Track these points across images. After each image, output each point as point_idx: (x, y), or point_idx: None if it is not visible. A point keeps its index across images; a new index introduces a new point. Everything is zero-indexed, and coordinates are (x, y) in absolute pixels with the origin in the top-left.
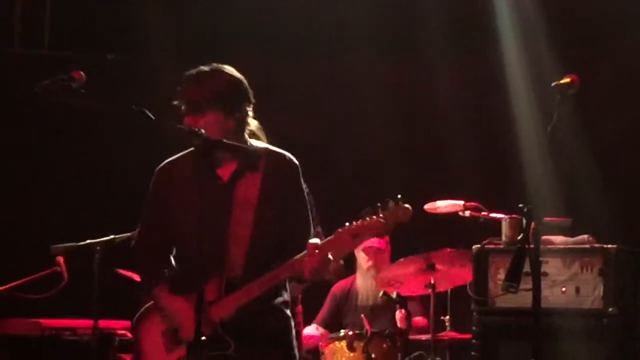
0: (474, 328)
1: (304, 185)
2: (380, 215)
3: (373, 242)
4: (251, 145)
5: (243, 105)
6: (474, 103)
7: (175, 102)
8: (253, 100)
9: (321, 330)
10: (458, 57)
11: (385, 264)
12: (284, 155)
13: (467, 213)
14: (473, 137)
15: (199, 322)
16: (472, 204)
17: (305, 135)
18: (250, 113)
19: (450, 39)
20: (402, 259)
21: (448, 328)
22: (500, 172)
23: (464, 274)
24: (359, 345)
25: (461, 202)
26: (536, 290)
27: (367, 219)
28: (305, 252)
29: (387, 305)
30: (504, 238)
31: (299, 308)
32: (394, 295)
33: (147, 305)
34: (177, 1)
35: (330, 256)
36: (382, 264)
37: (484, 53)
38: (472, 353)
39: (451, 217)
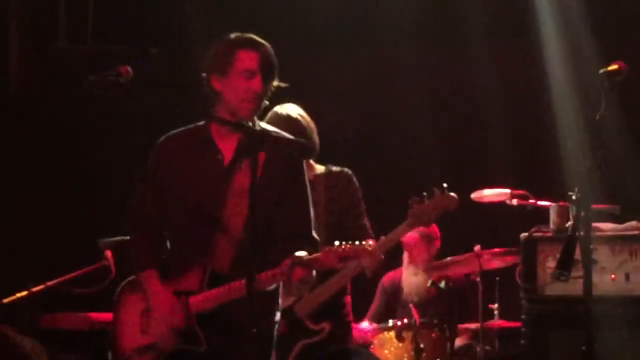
0: (523, 316)
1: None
2: (370, 243)
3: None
4: (258, 125)
5: (270, 81)
6: (516, 91)
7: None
8: (279, 81)
9: (374, 325)
10: (498, 45)
11: (422, 257)
12: (289, 141)
13: (514, 201)
14: (515, 126)
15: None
16: (519, 192)
17: (346, 127)
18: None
19: (490, 27)
20: (449, 258)
21: (497, 316)
22: (545, 161)
23: (512, 258)
24: (407, 335)
25: (508, 191)
26: (587, 278)
27: (357, 244)
28: (287, 263)
29: (436, 295)
30: (552, 226)
31: (348, 299)
32: (442, 284)
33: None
34: None
35: (314, 273)
36: (417, 258)
37: (525, 41)
38: (522, 342)
39: (498, 205)
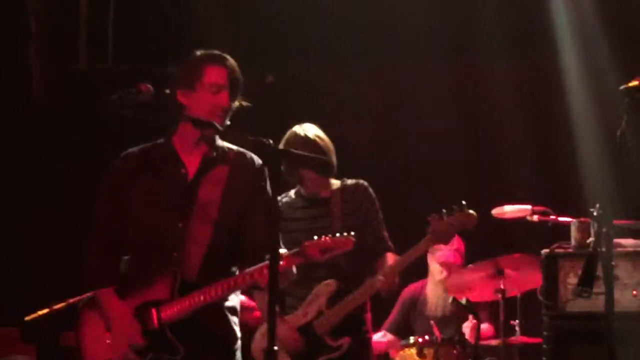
0: (544, 333)
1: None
2: (351, 234)
3: (449, 256)
4: (221, 142)
5: (235, 97)
6: (535, 106)
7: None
8: (243, 98)
9: (389, 336)
10: (517, 59)
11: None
12: (252, 157)
13: (535, 217)
14: (536, 141)
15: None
16: (540, 208)
17: (367, 141)
18: (236, 103)
19: (509, 42)
20: (470, 265)
21: (518, 332)
22: (565, 176)
23: (533, 279)
24: (429, 352)
25: (529, 207)
26: (609, 294)
27: (338, 235)
28: (261, 264)
29: (457, 311)
30: (573, 242)
31: (368, 316)
32: (463, 301)
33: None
34: (235, 13)
35: (294, 269)
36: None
37: (544, 56)
38: (543, 358)
39: (519, 221)
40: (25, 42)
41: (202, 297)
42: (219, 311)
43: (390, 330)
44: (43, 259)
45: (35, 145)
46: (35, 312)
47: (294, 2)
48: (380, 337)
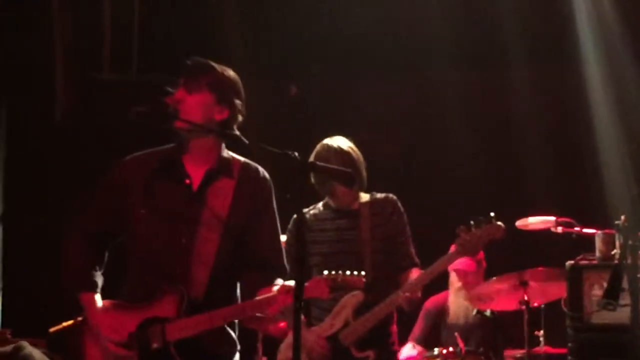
0: (569, 345)
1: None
2: (362, 273)
3: (462, 264)
4: (227, 153)
5: (234, 102)
6: (558, 117)
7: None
8: (242, 107)
9: (418, 348)
10: (539, 70)
11: (476, 283)
12: (257, 169)
13: (559, 229)
14: (559, 151)
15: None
16: (564, 219)
17: (388, 151)
18: (239, 116)
19: (531, 51)
20: (494, 278)
21: (542, 343)
22: (589, 188)
23: (557, 290)
24: None
25: (553, 218)
26: (634, 306)
27: (348, 274)
28: (274, 293)
29: (481, 323)
30: (597, 254)
31: (394, 328)
32: (487, 312)
33: None
34: (258, 25)
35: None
36: (471, 285)
37: (566, 65)
38: None
39: (543, 233)
40: (49, 51)
41: (209, 323)
42: (217, 327)
43: (416, 342)
44: None
45: (60, 154)
46: (59, 323)
47: (316, 14)
48: (410, 349)
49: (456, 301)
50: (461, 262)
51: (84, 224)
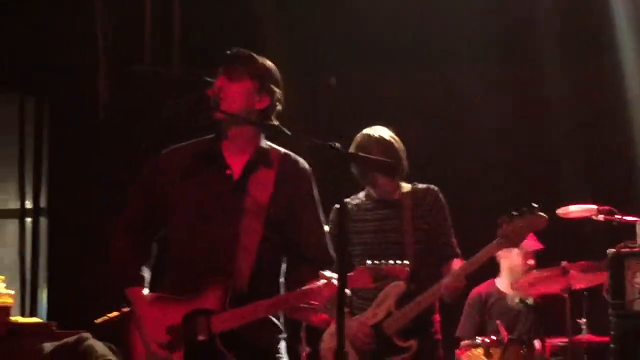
0: (612, 332)
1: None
2: (406, 263)
3: (534, 245)
4: (266, 143)
5: (274, 91)
6: (594, 107)
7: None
8: (281, 97)
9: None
10: (573, 61)
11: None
12: (297, 159)
13: (601, 217)
14: (598, 141)
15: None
16: (605, 207)
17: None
18: (278, 105)
19: (565, 43)
20: (535, 271)
21: (585, 330)
22: (629, 176)
23: (599, 277)
24: (495, 352)
25: (594, 207)
26: None
27: (392, 263)
28: (322, 282)
29: (524, 311)
30: (639, 241)
31: (437, 317)
32: (529, 300)
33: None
34: (294, 18)
35: (348, 291)
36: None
37: (599, 60)
38: (611, 359)
39: (584, 221)
40: (91, 46)
41: (254, 314)
42: (262, 318)
43: (466, 334)
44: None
45: (103, 148)
46: (104, 315)
47: (350, 7)
48: None
49: (505, 289)
50: (534, 244)
51: (129, 218)
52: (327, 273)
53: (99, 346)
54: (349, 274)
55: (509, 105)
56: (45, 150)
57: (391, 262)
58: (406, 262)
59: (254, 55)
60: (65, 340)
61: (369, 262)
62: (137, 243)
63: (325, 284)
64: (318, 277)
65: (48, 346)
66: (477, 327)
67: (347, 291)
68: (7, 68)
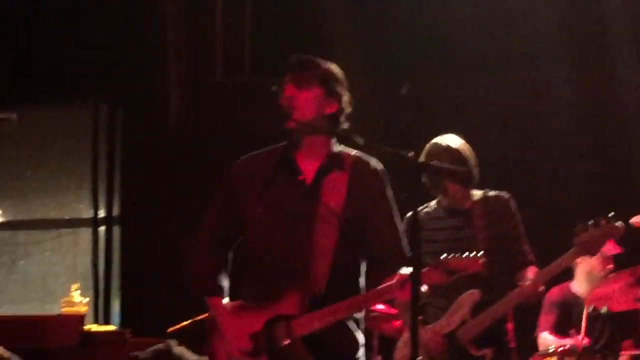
0: None
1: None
2: (479, 255)
3: (613, 248)
4: (337, 147)
5: (342, 95)
6: None
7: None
8: (349, 99)
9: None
10: None
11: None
12: (370, 161)
13: None
14: None
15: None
16: None
17: (500, 149)
18: (347, 109)
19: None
20: (611, 275)
21: None
22: None
23: None
24: None
25: None
26: None
27: (466, 255)
28: (393, 281)
29: (598, 319)
30: None
31: (510, 326)
32: (603, 310)
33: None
34: (365, 25)
35: (423, 288)
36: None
37: None
38: None
39: None
40: (162, 55)
41: (332, 316)
42: (342, 323)
43: (547, 329)
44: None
45: (175, 157)
46: (177, 323)
47: (423, 11)
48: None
49: (580, 294)
50: (607, 248)
51: (207, 228)
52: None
53: (187, 352)
54: (422, 271)
55: (585, 109)
56: (118, 158)
57: (465, 254)
58: (481, 252)
59: (318, 60)
60: (155, 347)
61: (443, 256)
62: (217, 253)
63: (397, 279)
64: (394, 275)
65: (142, 354)
66: (556, 322)
67: (424, 287)
68: (80, 77)
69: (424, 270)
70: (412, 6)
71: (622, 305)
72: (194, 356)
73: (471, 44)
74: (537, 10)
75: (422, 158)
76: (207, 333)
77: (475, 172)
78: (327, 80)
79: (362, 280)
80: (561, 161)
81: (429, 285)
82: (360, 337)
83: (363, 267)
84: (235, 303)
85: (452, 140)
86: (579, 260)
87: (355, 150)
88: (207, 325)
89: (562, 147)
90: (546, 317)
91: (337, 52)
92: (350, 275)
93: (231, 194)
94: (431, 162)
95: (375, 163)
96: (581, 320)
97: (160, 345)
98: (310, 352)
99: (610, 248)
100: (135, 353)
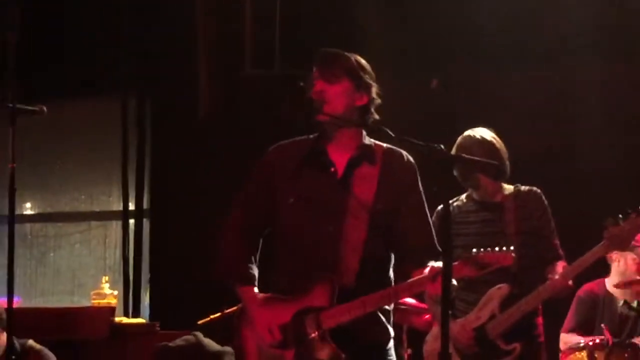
0: None
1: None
2: (511, 248)
3: None
4: (368, 140)
5: (371, 86)
6: None
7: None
8: (378, 90)
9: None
10: None
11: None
12: (401, 153)
13: None
14: None
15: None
16: None
17: (527, 143)
18: (376, 100)
19: None
20: None
21: None
22: None
23: None
24: (600, 355)
25: None
26: None
27: (497, 249)
28: (425, 274)
29: (630, 314)
30: None
31: (540, 320)
32: (634, 304)
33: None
34: (397, 17)
35: (454, 282)
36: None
37: None
38: None
39: None
40: (193, 48)
41: (362, 309)
42: (371, 315)
43: (572, 331)
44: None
45: (204, 150)
46: (207, 316)
47: (454, 6)
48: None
49: (623, 292)
50: None
51: (238, 217)
52: (434, 263)
53: (214, 344)
54: (454, 264)
55: (616, 105)
56: (148, 151)
57: (497, 249)
58: (511, 247)
59: (345, 53)
60: (183, 337)
61: (474, 250)
62: (247, 241)
63: (429, 272)
64: (424, 268)
65: (171, 344)
66: (584, 324)
67: (454, 281)
68: (110, 69)
69: (455, 263)
70: (442, 1)
71: None
72: (218, 346)
73: (501, 40)
74: (569, 4)
75: (453, 151)
76: (235, 325)
77: (507, 165)
78: (356, 72)
79: (391, 273)
80: (591, 156)
81: (458, 279)
82: (391, 329)
83: (392, 260)
84: (266, 295)
85: (484, 133)
86: (615, 257)
87: (386, 144)
88: (235, 316)
89: (593, 142)
90: (572, 316)
91: (367, 45)
92: (380, 268)
93: (262, 181)
94: (462, 155)
95: (406, 155)
96: (612, 317)
97: (189, 337)
98: (340, 344)
99: None
100: (165, 343)
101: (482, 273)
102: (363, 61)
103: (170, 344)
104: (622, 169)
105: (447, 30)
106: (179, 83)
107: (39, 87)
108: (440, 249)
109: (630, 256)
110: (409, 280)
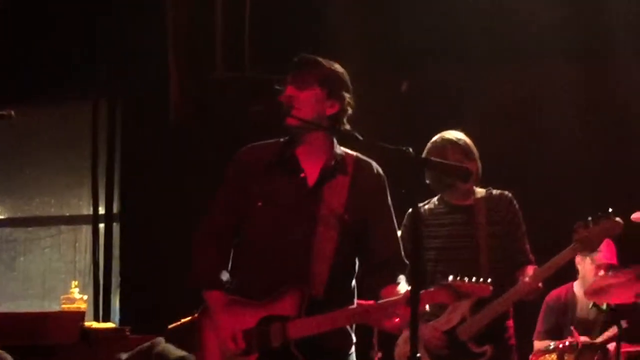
0: None
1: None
2: (489, 281)
3: (609, 258)
4: (339, 149)
5: (344, 97)
6: None
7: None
8: (352, 101)
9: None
10: None
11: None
12: (371, 164)
13: None
14: None
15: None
16: None
17: (499, 144)
18: (348, 110)
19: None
20: (610, 273)
21: None
22: None
23: None
24: (569, 357)
25: None
26: None
27: (474, 280)
28: (400, 297)
29: (599, 317)
30: None
31: (510, 323)
32: (603, 306)
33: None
34: (369, 18)
35: (427, 308)
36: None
37: None
38: None
39: None
40: (163, 51)
41: (331, 324)
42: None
43: (543, 338)
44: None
45: (174, 153)
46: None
47: (425, 6)
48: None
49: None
50: (608, 257)
51: (212, 221)
52: (402, 281)
53: (171, 350)
54: (429, 290)
55: (588, 104)
56: (118, 155)
57: (474, 279)
58: (489, 280)
59: (321, 60)
60: (139, 347)
61: (450, 277)
62: (220, 245)
63: (404, 295)
64: (393, 283)
65: (124, 355)
66: (553, 330)
67: (427, 307)
68: (79, 73)
69: (432, 289)
70: (414, 3)
71: (621, 298)
72: (179, 352)
73: (474, 39)
74: (540, 5)
75: (425, 154)
76: (198, 328)
77: (478, 168)
78: (328, 81)
79: (354, 282)
80: (563, 157)
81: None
82: (353, 335)
83: (357, 269)
84: (232, 297)
85: (455, 135)
86: (578, 260)
87: (356, 153)
88: (198, 319)
89: (564, 142)
90: (541, 324)
91: (338, 46)
92: (347, 279)
93: (236, 182)
94: (433, 159)
95: (375, 167)
96: (580, 320)
97: (144, 345)
98: (302, 350)
99: (603, 257)
100: (120, 354)
101: (458, 302)
102: (340, 70)
103: (122, 356)
104: (594, 171)
105: (418, 32)
106: (149, 86)
107: (7, 92)
108: (406, 262)
109: (587, 261)
110: (383, 301)
